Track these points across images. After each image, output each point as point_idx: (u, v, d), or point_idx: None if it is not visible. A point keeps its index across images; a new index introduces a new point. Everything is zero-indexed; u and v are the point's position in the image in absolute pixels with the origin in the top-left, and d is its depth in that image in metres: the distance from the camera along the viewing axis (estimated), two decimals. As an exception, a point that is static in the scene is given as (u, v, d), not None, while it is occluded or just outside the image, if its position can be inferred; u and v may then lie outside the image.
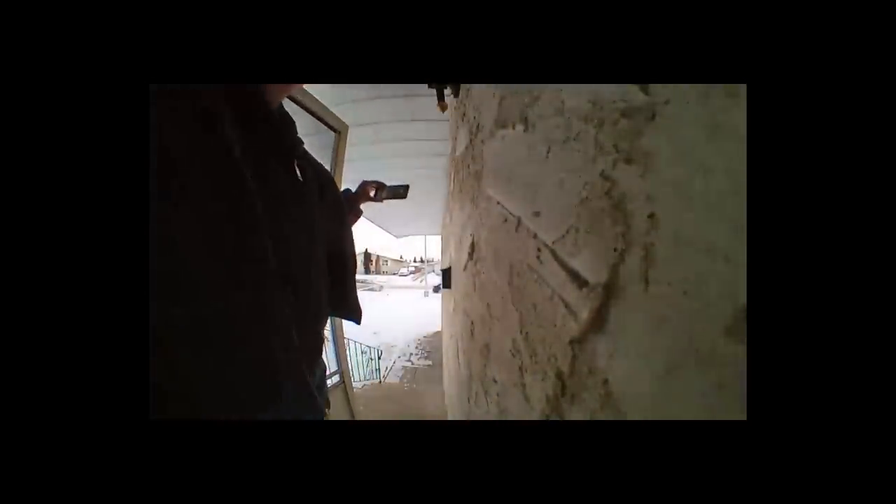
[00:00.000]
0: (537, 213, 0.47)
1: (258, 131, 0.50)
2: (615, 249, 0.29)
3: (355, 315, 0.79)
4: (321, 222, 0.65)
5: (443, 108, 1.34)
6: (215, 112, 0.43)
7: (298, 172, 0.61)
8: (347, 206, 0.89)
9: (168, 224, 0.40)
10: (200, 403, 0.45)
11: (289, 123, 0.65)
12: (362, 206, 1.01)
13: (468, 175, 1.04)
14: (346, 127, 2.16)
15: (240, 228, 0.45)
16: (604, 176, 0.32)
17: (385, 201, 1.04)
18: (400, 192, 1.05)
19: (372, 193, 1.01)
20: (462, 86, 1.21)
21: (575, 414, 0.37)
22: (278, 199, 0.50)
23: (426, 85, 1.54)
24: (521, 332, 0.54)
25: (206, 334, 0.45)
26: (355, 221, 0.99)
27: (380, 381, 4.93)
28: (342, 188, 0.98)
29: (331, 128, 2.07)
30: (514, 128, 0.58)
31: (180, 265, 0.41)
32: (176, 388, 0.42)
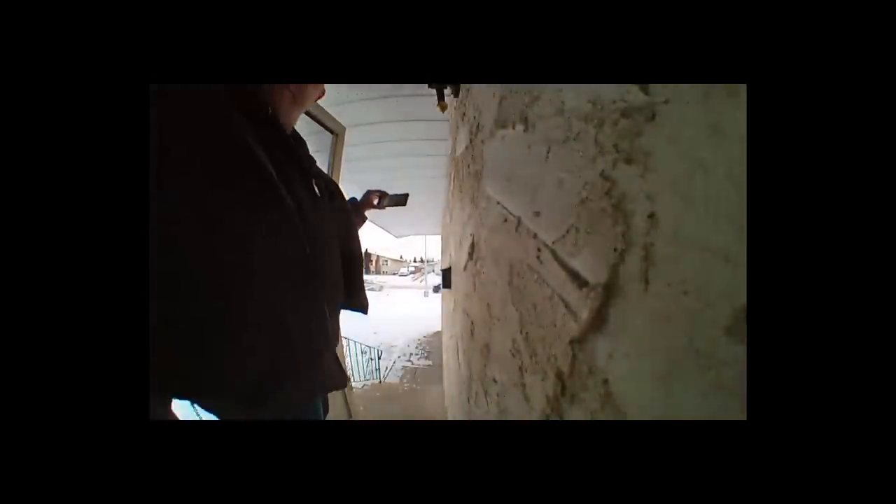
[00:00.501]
0: (537, 213, 0.47)
1: (278, 150, 0.59)
2: (615, 249, 0.29)
3: (364, 307, 0.88)
4: (332, 228, 0.74)
5: (443, 108, 1.35)
6: (242, 133, 0.52)
7: (315, 188, 0.71)
8: (353, 213, 1.00)
9: (219, 227, 0.48)
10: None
11: (302, 143, 0.75)
12: (366, 213, 1.12)
13: (468, 175, 1.04)
14: (343, 129, 2.16)
15: (281, 233, 0.55)
16: (604, 176, 0.32)
17: (387, 208, 1.14)
18: (401, 199, 1.14)
19: (375, 201, 1.11)
20: (462, 86, 1.21)
21: (575, 414, 0.37)
22: (301, 207, 0.60)
23: (426, 85, 1.55)
24: (521, 332, 0.54)
25: (235, 328, 0.52)
26: (361, 226, 1.10)
27: (380, 381, 4.93)
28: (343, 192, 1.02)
29: (328, 129, 2.07)
30: (514, 128, 0.58)
31: (221, 265, 0.49)
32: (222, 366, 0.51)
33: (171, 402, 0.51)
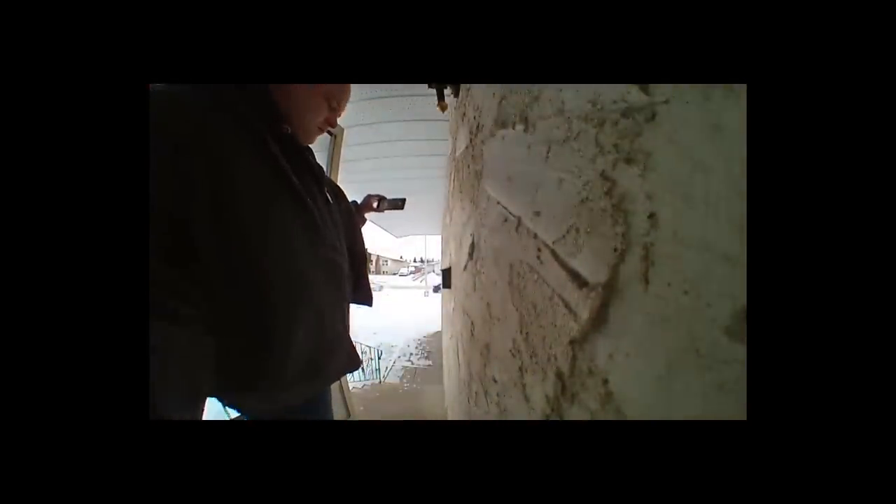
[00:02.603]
0: (537, 213, 0.47)
1: (296, 163, 0.66)
2: (615, 249, 0.29)
3: (369, 301, 0.96)
4: (342, 229, 0.82)
5: (443, 108, 1.35)
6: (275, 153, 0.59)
7: (327, 194, 0.78)
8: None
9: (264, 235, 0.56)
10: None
11: (309, 151, 0.82)
12: (365, 215, 1.20)
13: (468, 175, 1.04)
14: (342, 130, 2.16)
15: (312, 237, 0.65)
16: (604, 176, 0.32)
17: (385, 211, 1.22)
18: (398, 203, 1.22)
19: (374, 204, 1.19)
20: (462, 86, 1.21)
21: (575, 414, 0.37)
22: (321, 213, 0.69)
23: (426, 85, 1.56)
24: (521, 332, 0.54)
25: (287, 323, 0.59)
26: (361, 226, 1.16)
27: (380, 381, 4.93)
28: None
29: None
30: (514, 128, 0.58)
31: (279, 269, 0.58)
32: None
33: (205, 402, 0.54)
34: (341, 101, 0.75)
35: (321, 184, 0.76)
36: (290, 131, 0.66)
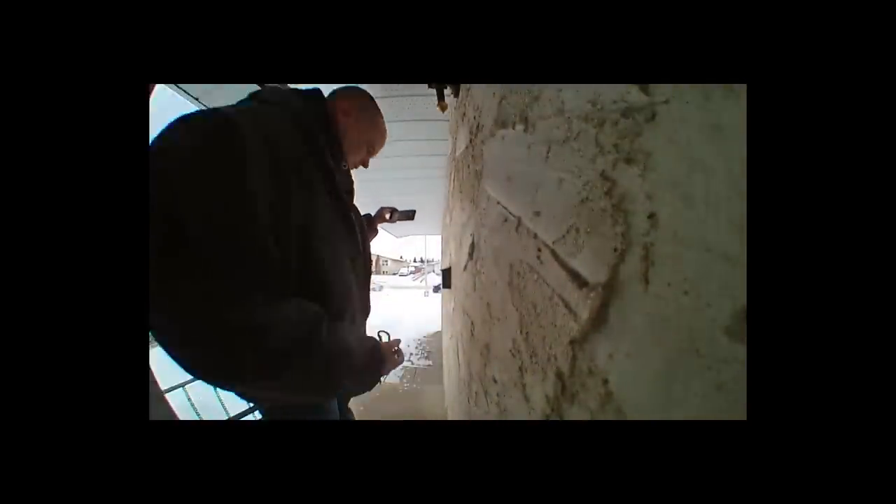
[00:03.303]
0: (537, 213, 0.47)
1: (346, 191, 0.74)
2: (615, 249, 0.29)
3: (366, 313, 0.98)
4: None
5: (443, 108, 1.35)
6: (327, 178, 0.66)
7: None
8: (367, 227, 1.14)
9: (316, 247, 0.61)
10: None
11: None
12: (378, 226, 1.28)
13: (468, 175, 1.04)
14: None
15: (349, 251, 0.72)
16: (604, 176, 0.32)
17: (396, 221, 1.31)
18: (409, 214, 1.32)
19: (387, 216, 1.27)
20: (462, 86, 1.21)
21: (575, 414, 0.37)
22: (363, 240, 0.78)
23: (426, 85, 1.57)
24: (521, 332, 0.54)
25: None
26: (373, 238, 1.24)
27: (380, 381, 4.92)
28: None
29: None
30: (514, 128, 0.58)
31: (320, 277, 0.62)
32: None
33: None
34: (375, 147, 0.86)
35: (350, 199, 0.80)
36: (347, 168, 0.74)
